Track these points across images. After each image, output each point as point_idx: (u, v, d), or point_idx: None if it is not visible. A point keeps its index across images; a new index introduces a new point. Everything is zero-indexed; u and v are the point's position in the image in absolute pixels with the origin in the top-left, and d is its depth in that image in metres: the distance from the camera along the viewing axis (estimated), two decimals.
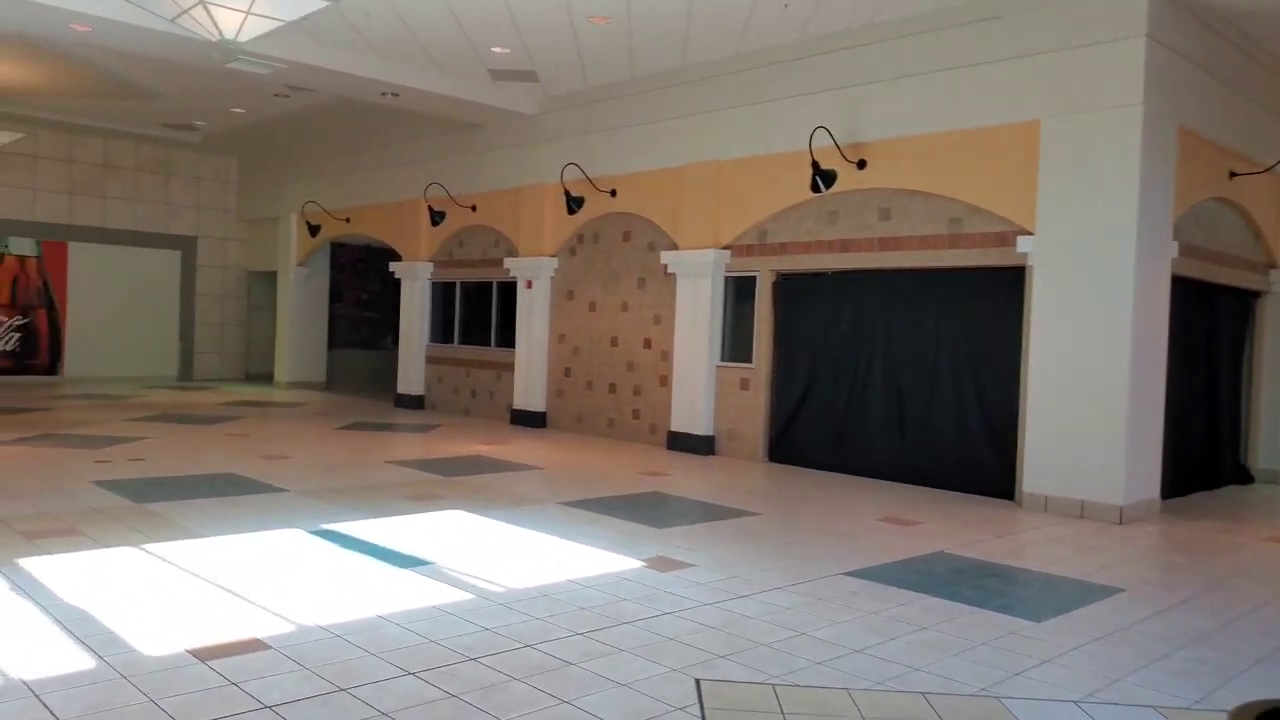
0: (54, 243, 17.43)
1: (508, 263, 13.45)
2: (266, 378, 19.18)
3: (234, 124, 16.29)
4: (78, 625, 4.28)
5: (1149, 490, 8.20)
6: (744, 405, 10.70)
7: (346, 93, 12.59)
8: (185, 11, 7.29)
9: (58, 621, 4.32)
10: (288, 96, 14.06)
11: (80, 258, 17.74)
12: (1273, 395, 10.43)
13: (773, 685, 3.91)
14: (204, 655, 3.95)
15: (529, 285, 13.19)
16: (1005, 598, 5.46)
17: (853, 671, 4.11)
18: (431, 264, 15.14)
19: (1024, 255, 8.38)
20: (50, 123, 16.59)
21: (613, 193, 11.96)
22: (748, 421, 10.67)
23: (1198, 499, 9.21)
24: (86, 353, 17.86)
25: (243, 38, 7.60)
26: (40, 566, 5.23)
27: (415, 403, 15.26)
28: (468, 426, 13.05)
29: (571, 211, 12.08)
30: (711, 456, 10.85)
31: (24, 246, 17.18)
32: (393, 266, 15.69)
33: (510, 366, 13.63)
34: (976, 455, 8.89)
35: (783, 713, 3.62)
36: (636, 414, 11.94)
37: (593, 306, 12.53)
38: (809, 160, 9.36)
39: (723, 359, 10.96)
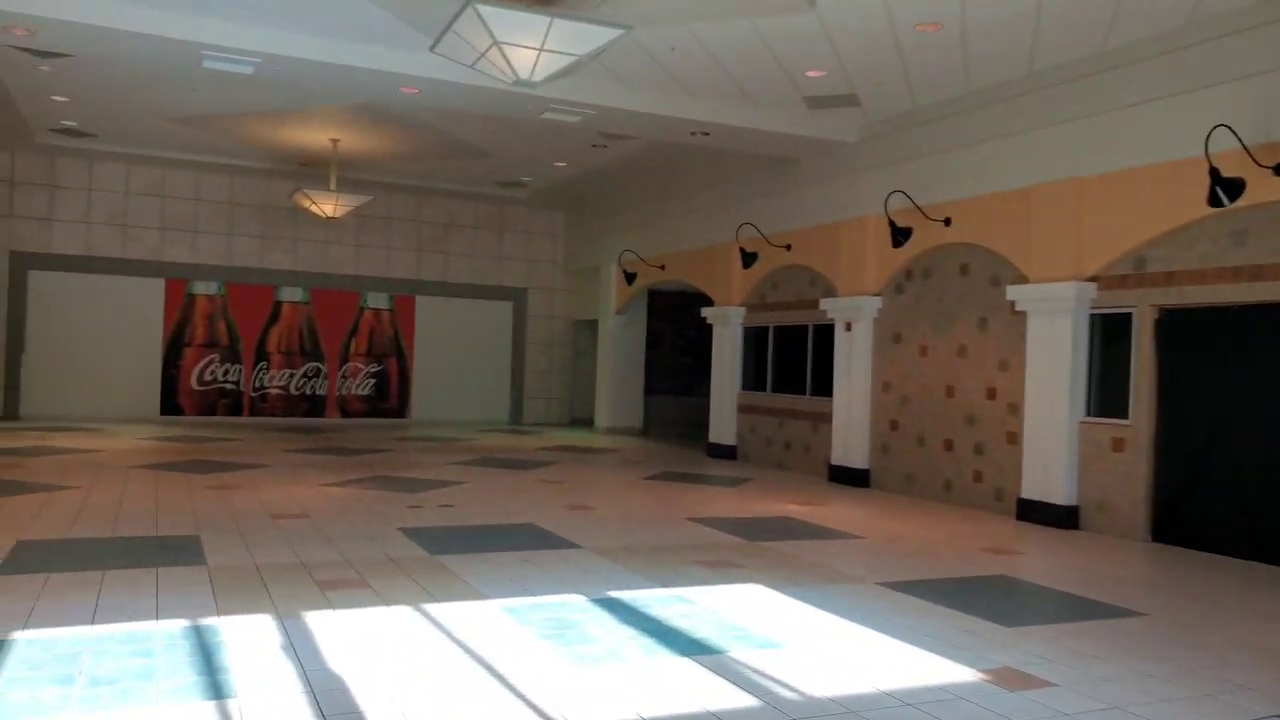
0: (404, 296, 18.99)
1: (824, 304, 12.38)
2: (588, 422, 19.51)
3: (558, 178, 16.82)
4: (327, 699, 3.91)
5: None
6: (1117, 470, 8.73)
7: (657, 135, 12.30)
8: (482, 55, 7.14)
9: (310, 691, 3.99)
10: (604, 147, 14.17)
11: (426, 310, 19.18)
12: None
13: None
14: None
15: (848, 328, 12.01)
16: None
17: None
18: (743, 308, 14.44)
19: None
20: (402, 187, 18.14)
21: (946, 221, 10.52)
22: (1122, 491, 8.68)
23: None
24: (430, 397, 19.17)
25: (537, 76, 7.30)
26: (320, 622, 5.04)
27: (727, 453, 14.54)
28: (780, 482, 12.05)
29: (898, 244, 10.80)
30: (1074, 532, 8.95)
31: (380, 300, 18.86)
32: (704, 312, 15.21)
33: (828, 417, 12.47)
34: None
35: None
36: (978, 476, 10.27)
37: (923, 350, 11.08)
38: (1205, 168, 7.44)
39: (1088, 413, 9.05)
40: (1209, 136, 7.41)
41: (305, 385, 18.26)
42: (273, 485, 9.92)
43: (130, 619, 4.95)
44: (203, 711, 3.74)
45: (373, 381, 18.81)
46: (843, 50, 9.15)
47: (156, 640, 4.62)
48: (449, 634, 4.92)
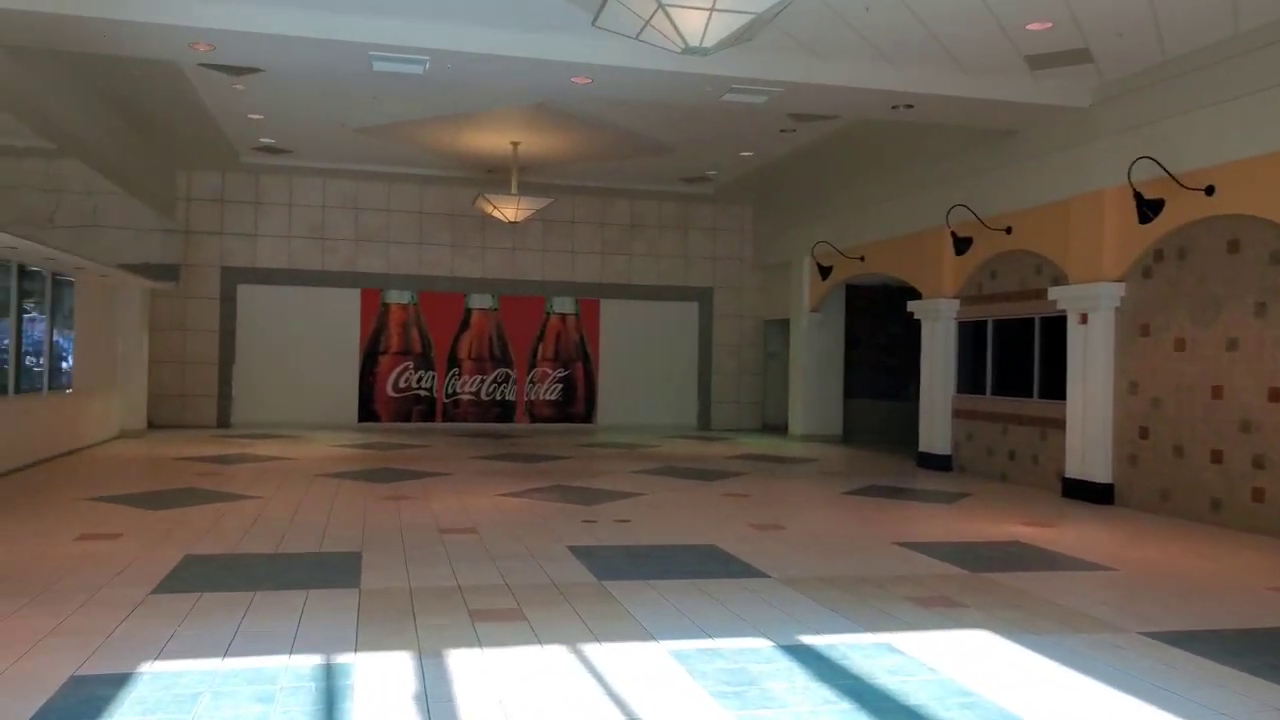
0: (588, 300, 18.65)
1: (1053, 293, 10.76)
2: (782, 429, 18.43)
3: (745, 170, 15.99)
4: None
5: None
6: None
7: (853, 112, 11.16)
8: (647, 23, 6.37)
9: None
10: (793, 131, 13.18)
11: (610, 313, 18.78)
12: None
13: None
14: None
15: (1083, 320, 10.36)
16: None
17: None
18: (957, 301, 12.95)
19: None
20: (586, 189, 17.82)
21: (1209, 189, 8.76)
22: None
23: None
24: (616, 402, 18.75)
25: (708, 41, 6.42)
26: (463, 665, 4.40)
27: (940, 463, 13.08)
28: (1005, 497, 10.55)
29: (1145, 219, 9.12)
30: None
31: (565, 305, 18.61)
32: (911, 306, 13.81)
33: (1060, 423, 10.83)
34: None
35: None
36: (1258, 495, 8.45)
37: (1180, 344, 9.33)
38: None
39: None
40: None
41: (495, 391, 18.27)
42: (448, 495, 9.58)
43: (263, 652, 4.51)
44: None
45: (560, 386, 18.60)
46: None
47: (282, 680, 4.13)
48: (606, 687, 4.12)
